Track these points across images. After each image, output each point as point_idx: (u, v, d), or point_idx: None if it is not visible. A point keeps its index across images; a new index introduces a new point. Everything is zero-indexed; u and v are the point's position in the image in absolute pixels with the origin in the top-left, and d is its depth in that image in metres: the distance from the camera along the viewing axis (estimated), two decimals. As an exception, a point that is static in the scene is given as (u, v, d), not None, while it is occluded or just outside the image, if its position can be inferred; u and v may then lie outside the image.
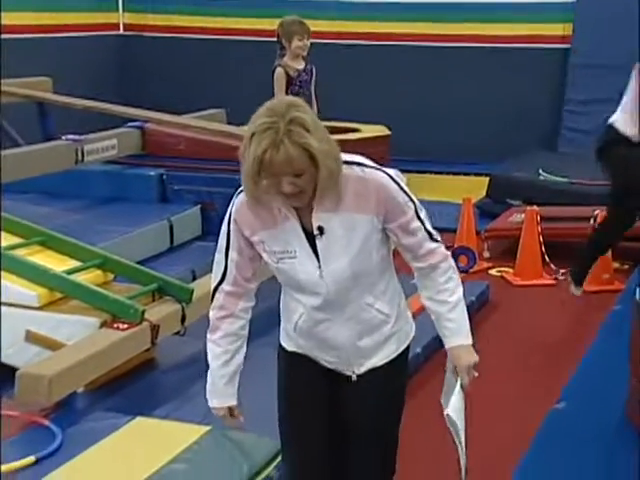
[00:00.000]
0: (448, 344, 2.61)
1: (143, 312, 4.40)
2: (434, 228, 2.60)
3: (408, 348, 2.70)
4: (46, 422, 3.77)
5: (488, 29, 9.81)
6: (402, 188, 2.51)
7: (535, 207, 6.80)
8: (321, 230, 2.48)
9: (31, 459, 3.46)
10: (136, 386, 4.40)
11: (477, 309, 5.88)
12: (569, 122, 9.48)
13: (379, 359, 2.62)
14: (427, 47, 9.95)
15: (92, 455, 3.55)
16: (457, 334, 2.61)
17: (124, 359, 4.33)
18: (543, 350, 5.25)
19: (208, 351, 2.70)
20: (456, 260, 6.70)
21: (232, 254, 2.58)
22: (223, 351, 2.66)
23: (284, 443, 2.75)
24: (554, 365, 4.71)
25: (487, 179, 8.17)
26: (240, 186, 2.53)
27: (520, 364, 5.10)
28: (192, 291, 4.70)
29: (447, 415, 2.59)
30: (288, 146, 2.31)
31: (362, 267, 2.52)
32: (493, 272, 6.75)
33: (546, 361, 4.97)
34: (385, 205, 2.48)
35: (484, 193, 8.10)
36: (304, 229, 2.50)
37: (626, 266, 6.41)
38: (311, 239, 2.50)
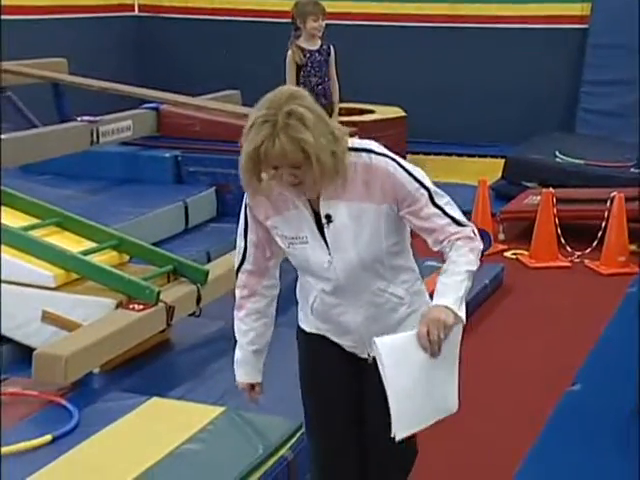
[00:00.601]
0: (434, 301, 2.48)
1: (159, 293, 4.42)
2: (455, 220, 2.51)
3: None
4: (63, 401, 3.78)
5: (505, 10, 9.74)
6: (412, 175, 2.49)
7: (551, 189, 6.79)
8: (329, 218, 2.50)
9: (48, 438, 3.48)
10: (151, 367, 4.42)
11: (492, 292, 5.89)
12: (586, 103, 9.41)
13: None
14: (444, 28, 9.90)
15: (108, 435, 3.58)
16: (447, 296, 2.45)
17: (140, 340, 4.35)
18: (558, 332, 5.25)
19: (235, 328, 2.78)
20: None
21: (250, 236, 2.64)
22: (249, 329, 2.73)
23: (309, 421, 2.79)
24: (569, 347, 4.71)
25: (503, 161, 8.15)
26: (233, 165, 2.58)
27: (535, 346, 5.11)
28: (207, 272, 4.71)
29: (374, 342, 2.42)
30: (283, 140, 2.33)
31: (371, 255, 2.53)
32: (508, 254, 6.75)
33: (561, 343, 4.97)
34: (392, 193, 2.48)
35: (499, 175, 8.09)
36: (315, 216, 2.52)
37: (643, 248, 6.40)
38: (321, 226, 2.52)
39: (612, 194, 6.58)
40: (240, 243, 2.69)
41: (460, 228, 2.51)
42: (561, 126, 9.34)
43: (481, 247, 2.54)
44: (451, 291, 2.46)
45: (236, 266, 2.73)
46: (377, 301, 2.59)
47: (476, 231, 2.54)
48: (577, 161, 7.84)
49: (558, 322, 5.46)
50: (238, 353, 2.80)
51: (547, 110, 9.56)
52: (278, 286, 2.77)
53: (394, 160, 2.50)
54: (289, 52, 6.17)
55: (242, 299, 2.74)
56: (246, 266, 2.69)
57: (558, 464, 2.82)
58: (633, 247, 6.52)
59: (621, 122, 9.00)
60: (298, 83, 6.02)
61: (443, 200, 2.52)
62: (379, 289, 2.58)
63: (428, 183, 2.51)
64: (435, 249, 2.56)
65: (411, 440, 2.68)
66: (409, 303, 2.62)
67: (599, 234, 6.57)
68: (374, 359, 2.53)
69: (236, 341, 2.81)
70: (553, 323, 5.45)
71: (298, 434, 3.54)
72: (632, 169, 7.59)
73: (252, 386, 2.81)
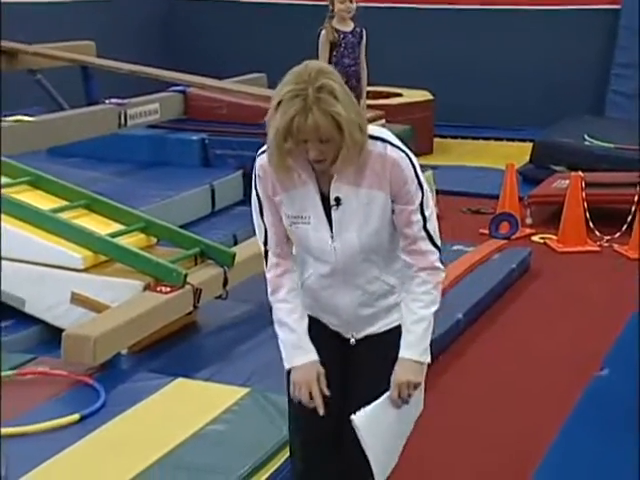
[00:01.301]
0: (400, 353, 2.53)
1: (186, 275, 4.43)
2: (442, 195, 2.57)
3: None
4: (91, 381, 3.81)
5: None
6: (418, 176, 2.48)
7: (580, 173, 6.74)
8: (338, 201, 2.49)
9: (75, 417, 3.51)
10: (178, 348, 4.44)
11: (519, 276, 5.87)
12: (617, 86, 9.33)
13: (378, 327, 2.63)
14: (474, 10, 9.84)
15: (134, 415, 3.60)
16: (412, 347, 2.51)
17: (167, 322, 4.37)
18: (585, 317, 5.23)
19: (277, 312, 2.63)
20: (498, 227, 6.73)
21: (267, 215, 2.59)
22: (294, 306, 2.62)
23: (291, 394, 2.65)
24: (597, 332, 4.69)
25: (531, 145, 8.10)
26: (259, 148, 2.55)
27: (562, 331, 5.09)
28: (234, 255, 4.72)
29: (352, 420, 2.46)
30: (317, 114, 2.32)
31: (372, 243, 2.52)
32: (536, 239, 6.72)
33: (589, 328, 4.95)
34: (396, 186, 2.47)
35: (527, 159, 8.05)
36: (322, 198, 2.50)
37: (672, 234, 6.35)
38: (327, 208, 2.50)
39: (642, 178, 6.55)
40: (259, 224, 2.64)
41: (430, 249, 2.52)
42: (590, 109, 9.27)
43: (443, 276, 2.57)
44: (419, 342, 2.52)
45: (262, 248, 2.66)
46: (369, 288, 2.59)
47: (440, 259, 2.55)
48: (606, 145, 7.79)
49: (586, 307, 5.43)
50: (289, 337, 2.60)
51: (576, 93, 9.49)
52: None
53: (407, 156, 2.48)
54: (323, 32, 6.17)
55: (277, 278, 2.64)
56: (271, 246, 2.63)
57: (585, 449, 2.82)
58: (662, 232, 6.48)
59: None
60: (330, 63, 6.01)
61: (429, 211, 2.52)
62: (373, 276, 2.58)
63: (427, 191, 2.51)
64: (402, 255, 2.56)
65: None
66: (399, 292, 2.61)
67: (628, 218, 6.54)
68: (357, 341, 2.61)
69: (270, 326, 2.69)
70: (581, 308, 5.43)
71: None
72: (662, 153, 7.54)
73: (319, 374, 2.56)
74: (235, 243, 5.59)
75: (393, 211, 2.51)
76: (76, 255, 4.52)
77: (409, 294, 2.55)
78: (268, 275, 2.65)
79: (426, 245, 2.51)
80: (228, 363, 4.26)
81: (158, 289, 4.37)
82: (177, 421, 3.52)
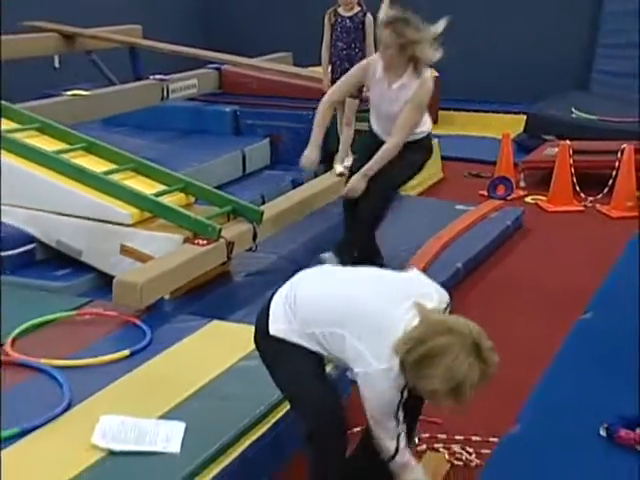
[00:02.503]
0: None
1: (220, 230, 4.42)
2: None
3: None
4: (138, 322, 3.83)
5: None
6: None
7: (567, 142, 6.72)
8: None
9: (125, 353, 3.53)
10: (213, 294, 4.45)
11: (513, 232, 5.85)
12: (601, 65, 9.23)
13: None
14: (473, -1, 9.73)
15: (176, 351, 3.62)
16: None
17: (203, 271, 4.37)
18: (572, 268, 5.21)
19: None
20: (495, 189, 6.70)
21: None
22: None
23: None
24: (582, 281, 4.67)
25: (524, 117, 8.07)
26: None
27: (551, 280, 5.07)
28: (262, 213, 4.71)
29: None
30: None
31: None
32: (528, 200, 6.69)
33: (574, 278, 4.93)
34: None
35: (522, 129, 8.00)
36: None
37: (648, 195, 6.31)
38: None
39: (622, 146, 6.52)
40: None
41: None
42: (577, 85, 9.19)
43: None
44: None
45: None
46: None
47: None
48: (591, 117, 7.73)
49: (572, 259, 5.41)
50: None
51: (564, 71, 9.39)
52: None
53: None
54: (325, 20, 6.03)
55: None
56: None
57: (571, 383, 2.80)
58: (639, 193, 6.44)
59: (632, 82, 8.83)
60: (331, 45, 5.88)
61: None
62: None
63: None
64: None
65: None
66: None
67: (610, 182, 6.52)
68: None
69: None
70: (567, 260, 5.41)
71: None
72: (640, 124, 7.48)
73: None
74: (263, 202, 5.57)
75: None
76: (125, 212, 4.52)
77: None
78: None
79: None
80: (256, 307, 4.19)
81: (196, 242, 4.36)
82: (213, 357, 3.53)
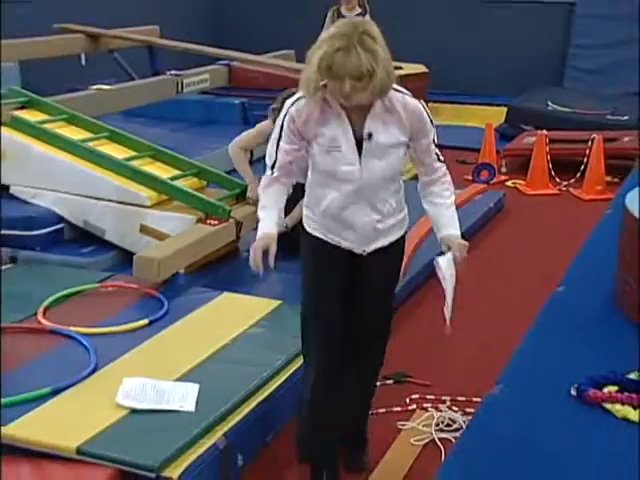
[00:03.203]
0: (442, 232, 2.65)
1: (230, 211, 4.42)
2: (440, 149, 2.65)
3: (404, 236, 2.74)
4: (156, 294, 3.83)
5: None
6: (429, 117, 2.55)
7: (544, 131, 6.70)
8: (370, 136, 2.48)
9: (145, 321, 3.54)
10: (224, 269, 4.44)
11: (495, 213, 5.84)
12: (573, 63, 9.23)
13: (385, 241, 2.64)
14: (459, 2, 9.67)
15: (191, 320, 3.63)
16: (450, 226, 2.64)
17: (214, 248, 4.37)
18: (548, 245, 5.21)
19: (262, 199, 2.62)
20: (479, 174, 6.67)
21: (283, 146, 2.55)
22: (278, 198, 2.61)
23: (309, 306, 2.72)
24: (557, 257, 4.66)
25: (505, 109, 8.04)
26: (292, 95, 2.54)
27: (529, 256, 5.08)
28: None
29: (436, 261, 2.60)
30: (359, 50, 2.30)
31: (390, 170, 2.54)
32: (509, 184, 6.68)
33: (550, 253, 4.92)
34: (417, 126, 2.52)
35: (503, 120, 7.98)
36: (353, 131, 2.49)
37: (616, 179, 6.29)
38: (358, 140, 2.49)
39: (593, 136, 6.50)
40: (271, 153, 2.58)
41: (440, 164, 2.64)
42: (552, 81, 9.18)
43: (450, 178, 2.69)
44: (454, 221, 2.66)
45: (269, 167, 2.60)
46: (381, 208, 2.59)
47: (446, 166, 2.68)
48: (565, 109, 7.72)
49: (548, 237, 5.41)
50: (264, 213, 2.61)
51: (542, 68, 9.37)
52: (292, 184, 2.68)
53: (421, 103, 2.55)
54: (329, 14, 5.99)
55: (273, 180, 2.60)
56: (276, 167, 2.58)
57: (546, 348, 2.81)
58: (608, 178, 6.44)
59: (601, 78, 8.87)
60: None
61: (436, 140, 2.62)
62: (384, 198, 2.58)
63: (433, 127, 2.59)
64: (422, 176, 2.66)
65: (390, 321, 2.81)
66: (397, 215, 2.65)
67: (582, 168, 6.50)
68: (368, 254, 2.63)
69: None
70: (544, 238, 5.41)
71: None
72: (609, 116, 7.49)
73: (266, 248, 2.56)
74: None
75: (408, 146, 2.56)
76: (144, 195, 4.51)
77: (434, 194, 2.65)
78: (265, 177, 2.62)
79: (438, 163, 2.64)
80: (262, 281, 4.24)
81: (208, 222, 4.36)
82: (224, 325, 3.54)
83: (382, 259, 2.66)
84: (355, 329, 2.73)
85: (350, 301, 2.69)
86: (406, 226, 2.73)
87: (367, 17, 5.89)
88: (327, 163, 2.52)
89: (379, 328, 2.77)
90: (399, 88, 2.52)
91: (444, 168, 2.66)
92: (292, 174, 2.62)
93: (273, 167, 2.60)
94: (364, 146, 2.49)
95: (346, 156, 2.50)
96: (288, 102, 2.54)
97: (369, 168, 2.51)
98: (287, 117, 2.51)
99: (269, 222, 2.59)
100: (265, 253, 2.57)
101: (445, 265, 2.61)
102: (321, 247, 2.64)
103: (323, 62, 2.32)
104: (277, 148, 2.57)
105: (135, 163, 4.76)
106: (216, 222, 4.36)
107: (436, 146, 2.61)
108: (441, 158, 2.64)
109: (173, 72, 6.67)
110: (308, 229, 2.67)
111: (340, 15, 5.85)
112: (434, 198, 2.64)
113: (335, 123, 2.48)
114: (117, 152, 4.82)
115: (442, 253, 2.65)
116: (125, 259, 4.32)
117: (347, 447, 2.92)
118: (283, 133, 2.54)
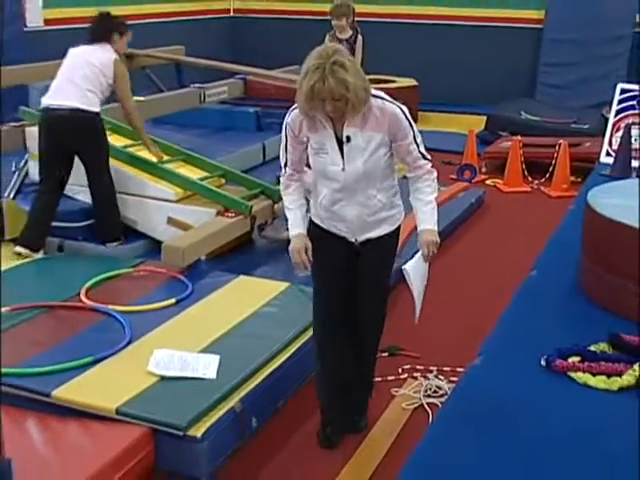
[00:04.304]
0: (420, 227, 2.58)
1: (251, 208, 4.40)
2: (427, 150, 2.59)
3: (398, 230, 2.69)
4: (181, 277, 3.83)
5: (487, 12, 9.47)
6: (408, 119, 2.51)
7: (518, 137, 6.67)
8: (348, 139, 2.49)
9: (172, 301, 3.54)
10: (240, 256, 4.44)
11: (476, 208, 5.81)
12: (543, 79, 9.24)
13: (375, 234, 2.63)
14: (445, 25, 9.64)
15: (212, 300, 3.63)
16: (427, 222, 2.57)
17: (232, 238, 4.37)
18: (522, 235, 5.19)
19: (286, 201, 2.68)
20: (462, 173, 6.63)
21: (289, 147, 2.63)
22: (298, 197, 2.67)
23: (316, 280, 2.72)
24: (530, 245, 4.64)
25: (485, 117, 8.00)
26: (291, 106, 2.56)
27: (506, 245, 5.06)
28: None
29: (404, 269, 2.55)
30: (331, 80, 2.34)
31: (371, 168, 2.52)
32: (488, 182, 6.64)
33: (524, 243, 4.90)
34: (394, 128, 2.49)
35: (483, 127, 7.94)
36: (337, 137, 2.50)
37: (579, 179, 6.25)
38: (340, 144, 2.50)
39: (559, 141, 6.46)
40: (283, 154, 2.66)
41: (424, 162, 2.57)
42: (525, 94, 9.15)
43: (435, 174, 2.60)
44: (431, 217, 2.56)
45: (282, 166, 2.68)
46: (368, 203, 2.58)
47: (432, 164, 2.60)
48: (536, 118, 7.69)
49: (522, 229, 5.39)
50: (292, 214, 2.64)
51: (516, 83, 9.36)
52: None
53: (398, 106, 2.51)
54: (327, 38, 5.93)
55: (288, 180, 2.68)
56: (289, 165, 2.66)
57: (521, 324, 2.81)
58: (572, 178, 6.40)
59: (566, 93, 8.86)
60: None
61: (419, 139, 2.56)
62: (371, 194, 2.57)
63: (414, 127, 2.54)
64: (407, 173, 2.61)
65: (386, 303, 2.77)
66: (388, 210, 2.61)
67: (550, 169, 6.46)
68: (359, 243, 2.61)
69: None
70: (518, 230, 5.39)
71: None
72: (572, 125, 7.49)
73: (306, 248, 2.60)
74: (278, 183, 5.52)
75: (390, 147, 2.52)
76: (171, 191, 4.51)
77: (417, 191, 2.59)
78: (283, 179, 2.69)
79: (422, 161, 2.57)
80: (273, 266, 4.26)
81: (226, 215, 4.35)
82: (241, 304, 3.54)
83: (374, 249, 2.64)
84: (357, 304, 2.72)
85: (353, 278, 2.69)
86: (399, 222, 2.68)
87: (359, 38, 5.86)
88: (318, 164, 2.56)
89: (374, 304, 2.74)
90: (381, 95, 2.50)
91: (428, 166, 2.57)
92: (301, 168, 2.68)
93: (286, 165, 2.67)
94: (344, 149, 2.50)
95: (332, 158, 2.52)
96: (288, 114, 2.59)
97: (352, 167, 2.51)
98: (286, 125, 2.59)
99: (296, 222, 2.64)
100: (305, 250, 2.60)
101: (412, 270, 2.55)
102: (322, 234, 2.66)
103: (307, 93, 2.38)
104: (285, 150, 2.65)
105: (170, 166, 4.75)
106: (233, 215, 4.35)
107: (418, 145, 2.54)
108: (427, 157, 2.57)
109: (197, 85, 6.64)
110: (313, 218, 2.70)
111: (336, 38, 5.82)
112: (417, 194, 2.59)
113: (322, 130, 2.51)
114: (152, 156, 4.80)
115: (412, 257, 2.59)
116: (154, 247, 4.31)
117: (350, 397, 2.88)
118: (287, 137, 2.61)
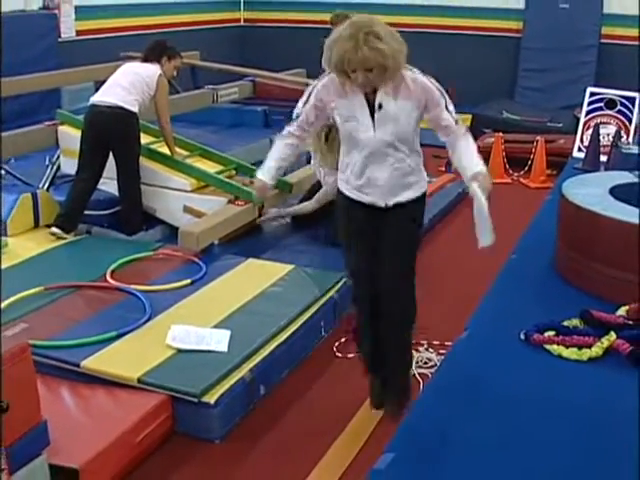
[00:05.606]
0: (470, 172, 2.44)
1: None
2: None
3: (424, 197, 2.58)
4: (196, 260, 3.81)
5: (473, 23, 9.44)
6: (439, 90, 2.43)
7: (500, 134, 6.63)
8: (380, 106, 2.39)
9: (188, 281, 3.52)
10: (249, 240, 4.40)
11: (463, 197, 5.77)
12: (522, 82, 9.27)
13: (403, 198, 2.52)
14: (436, 33, 9.63)
15: (224, 280, 3.61)
16: (477, 164, 2.47)
17: (242, 224, 4.34)
18: (504, 222, 5.09)
19: (273, 148, 2.56)
20: (450, 166, 6.57)
21: (307, 107, 2.49)
22: (286, 151, 2.56)
23: (347, 250, 2.60)
24: (511, 232, 4.60)
25: (470, 116, 7.95)
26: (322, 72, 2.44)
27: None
28: (292, 185, 4.60)
29: (473, 189, 2.46)
30: (365, 49, 2.23)
31: (402, 134, 2.42)
32: (473, 175, 6.61)
33: (506, 229, 4.81)
34: (425, 98, 2.40)
35: (468, 124, 7.90)
36: (368, 103, 2.39)
37: (554, 172, 6.22)
38: (372, 111, 2.40)
39: (537, 138, 6.44)
40: (299, 111, 2.49)
41: (458, 126, 2.47)
42: (506, 96, 9.14)
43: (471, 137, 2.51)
44: (479, 160, 2.47)
45: (293, 120, 2.52)
46: (398, 166, 2.47)
47: (465, 127, 2.51)
48: (516, 117, 7.65)
49: (504, 216, 5.21)
50: (268, 162, 2.56)
51: (498, 86, 9.36)
52: (304, 144, 2.64)
53: (430, 80, 2.45)
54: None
55: (289, 133, 2.54)
56: (297, 121, 2.52)
57: (503, 302, 2.79)
58: (549, 171, 6.38)
59: (543, 95, 8.84)
60: None
61: (450, 107, 2.47)
62: (401, 158, 2.47)
63: (446, 96, 2.45)
64: (443, 138, 2.51)
65: (414, 264, 2.62)
66: (415, 175, 2.53)
67: (529, 162, 6.43)
68: (388, 208, 2.49)
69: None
70: (501, 217, 5.18)
71: (341, 282, 3.53)
72: (548, 123, 7.46)
73: (265, 187, 2.58)
74: (284, 174, 5.49)
75: (420, 116, 2.43)
76: (186, 182, 4.47)
77: (460, 148, 2.48)
78: (286, 128, 2.55)
79: (455, 124, 2.46)
80: (279, 250, 4.23)
81: (236, 203, 4.32)
82: (250, 284, 3.52)
83: (403, 213, 2.51)
84: (383, 276, 2.56)
85: (379, 245, 2.55)
86: (425, 188, 2.57)
87: None
88: (348, 131, 2.44)
89: (402, 272, 2.57)
90: (412, 69, 2.43)
91: (463, 129, 2.46)
92: (305, 133, 2.55)
93: (297, 118, 2.52)
94: (376, 115, 2.39)
95: (362, 124, 2.40)
96: (320, 78, 2.45)
97: (382, 133, 2.40)
98: (317, 87, 2.45)
99: (269, 169, 2.56)
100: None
101: (478, 195, 2.47)
102: (350, 203, 2.53)
103: (337, 63, 2.26)
104: (303, 106, 2.50)
105: (189, 160, 4.71)
106: (243, 203, 4.32)
107: (449, 112, 2.42)
108: (458, 120, 2.45)
109: (210, 86, 6.59)
110: (341, 188, 2.56)
111: None
112: (462, 148, 2.45)
113: (352, 97, 2.39)
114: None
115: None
116: (171, 232, 4.28)
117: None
118: (312, 96, 2.47)
